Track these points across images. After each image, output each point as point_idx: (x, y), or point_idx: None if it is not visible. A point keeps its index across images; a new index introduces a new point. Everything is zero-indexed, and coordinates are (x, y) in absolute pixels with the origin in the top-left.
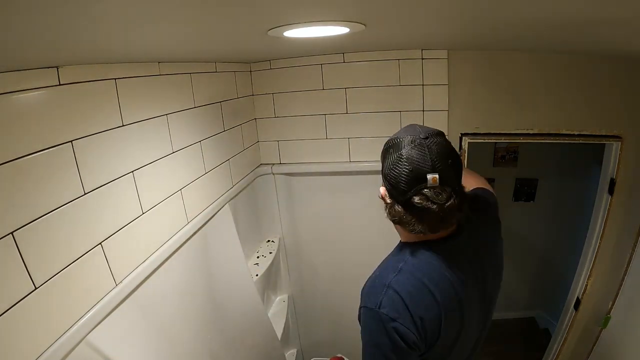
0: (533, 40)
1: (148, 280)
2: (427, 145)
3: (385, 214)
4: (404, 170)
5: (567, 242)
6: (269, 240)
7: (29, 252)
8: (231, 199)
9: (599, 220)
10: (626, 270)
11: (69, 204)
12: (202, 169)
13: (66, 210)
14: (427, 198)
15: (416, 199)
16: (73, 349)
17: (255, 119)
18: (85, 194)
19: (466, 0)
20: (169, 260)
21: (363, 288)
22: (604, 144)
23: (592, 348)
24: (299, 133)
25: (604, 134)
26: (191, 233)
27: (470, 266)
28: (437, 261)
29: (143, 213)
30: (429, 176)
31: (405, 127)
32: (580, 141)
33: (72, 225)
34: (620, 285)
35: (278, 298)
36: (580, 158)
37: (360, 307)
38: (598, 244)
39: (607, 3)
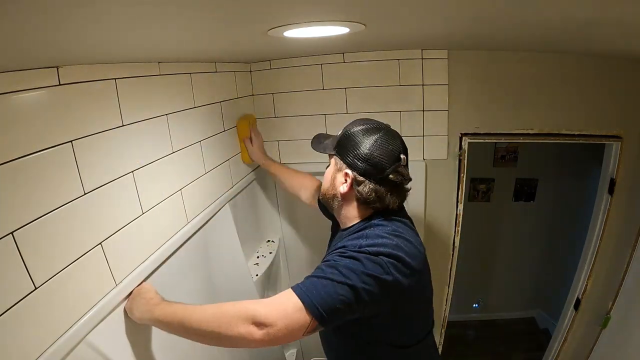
0: (533, 40)
1: (148, 280)
2: (394, 132)
3: (337, 194)
4: (387, 150)
5: (567, 242)
6: (269, 240)
7: (29, 252)
8: (231, 199)
9: (599, 220)
10: (626, 270)
11: (69, 204)
12: (202, 169)
13: (66, 210)
14: (401, 175)
15: (392, 176)
16: (73, 349)
17: (255, 119)
18: (85, 194)
19: (466, 0)
20: (168, 260)
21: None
22: (604, 144)
23: (592, 348)
24: (299, 133)
25: (604, 134)
26: (191, 233)
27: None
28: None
29: (143, 213)
30: (402, 156)
31: (361, 119)
32: (580, 141)
33: (72, 225)
34: (620, 285)
35: None
36: (580, 158)
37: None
38: (598, 244)
39: (608, 3)
